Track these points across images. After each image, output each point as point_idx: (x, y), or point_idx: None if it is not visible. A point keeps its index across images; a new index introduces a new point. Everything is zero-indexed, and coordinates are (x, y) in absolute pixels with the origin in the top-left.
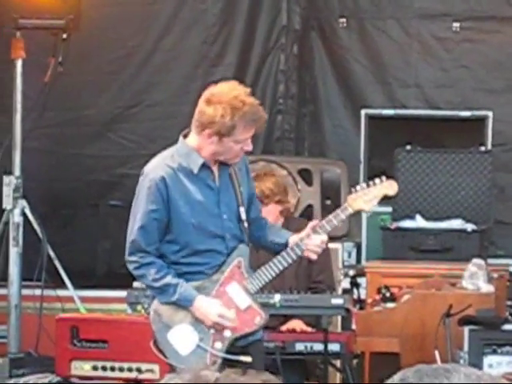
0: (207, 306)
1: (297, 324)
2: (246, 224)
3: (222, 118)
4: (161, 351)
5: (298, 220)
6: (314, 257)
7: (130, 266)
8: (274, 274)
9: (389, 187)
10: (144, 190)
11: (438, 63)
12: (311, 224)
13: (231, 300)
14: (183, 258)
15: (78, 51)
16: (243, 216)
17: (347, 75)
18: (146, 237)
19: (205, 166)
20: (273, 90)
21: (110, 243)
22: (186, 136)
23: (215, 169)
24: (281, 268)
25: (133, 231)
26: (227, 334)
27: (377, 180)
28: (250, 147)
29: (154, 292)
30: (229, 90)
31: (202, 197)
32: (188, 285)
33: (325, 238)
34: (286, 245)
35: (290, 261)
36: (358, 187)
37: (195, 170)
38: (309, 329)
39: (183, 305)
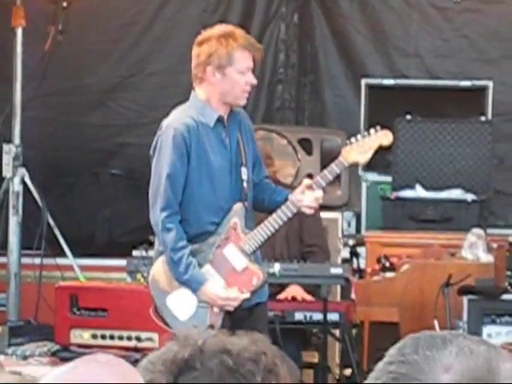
0: (213, 292)
1: (296, 290)
2: (245, 184)
3: (217, 49)
4: (161, 318)
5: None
6: (310, 211)
7: (159, 225)
8: (269, 233)
9: (383, 137)
10: (169, 140)
11: (438, 33)
12: (306, 181)
13: (228, 262)
14: (192, 214)
15: (78, 20)
16: (244, 176)
17: (348, 45)
18: (173, 187)
19: (219, 122)
20: (273, 59)
21: (110, 212)
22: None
23: (227, 128)
24: (276, 226)
25: (160, 182)
26: None
27: (371, 130)
28: (254, 80)
29: (168, 262)
30: (217, 28)
31: (218, 153)
32: (197, 268)
33: (320, 193)
34: (286, 201)
35: (285, 218)
36: (352, 139)
37: (211, 124)
38: (308, 296)
39: (191, 287)
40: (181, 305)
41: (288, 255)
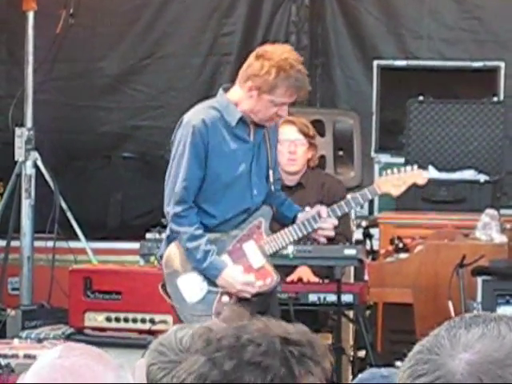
0: (233, 276)
1: (304, 272)
2: (272, 187)
3: (266, 75)
4: (168, 295)
5: (319, 173)
6: (322, 240)
7: (173, 218)
8: (291, 240)
9: (418, 176)
10: (188, 138)
11: (450, 14)
12: (322, 209)
13: (245, 257)
14: (210, 203)
15: (89, 2)
16: (271, 178)
17: (359, 26)
18: (190, 187)
19: (242, 121)
20: (284, 41)
21: (122, 195)
22: (226, 90)
23: (252, 126)
24: (300, 235)
25: (176, 181)
26: None
27: (408, 167)
28: (285, 113)
29: (186, 253)
30: (282, 52)
31: (237, 149)
32: (216, 255)
33: (335, 221)
34: (293, 220)
35: (305, 232)
36: (388, 171)
37: (233, 123)
38: (315, 278)
39: (211, 274)
40: (191, 287)
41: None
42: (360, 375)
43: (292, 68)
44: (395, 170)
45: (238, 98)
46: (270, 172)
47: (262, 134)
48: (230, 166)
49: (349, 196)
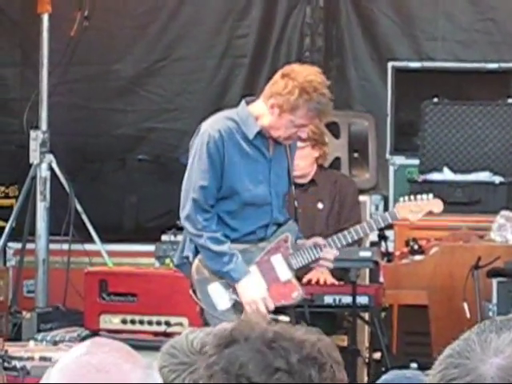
0: (254, 286)
1: (322, 273)
2: (296, 203)
3: (288, 94)
4: (199, 300)
5: (331, 172)
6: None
7: (192, 225)
8: (316, 257)
9: (435, 205)
10: (203, 146)
11: (465, 15)
12: (319, 241)
13: (273, 270)
14: (230, 216)
15: (104, 5)
16: (294, 194)
17: (374, 28)
18: (206, 195)
19: (260, 135)
20: (299, 43)
21: (137, 197)
22: (248, 103)
23: (271, 141)
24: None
25: (194, 189)
26: None
27: (424, 196)
28: (304, 135)
29: (208, 256)
30: (308, 73)
31: (255, 161)
32: (241, 259)
33: (337, 253)
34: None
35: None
36: (406, 198)
37: (250, 136)
38: (333, 279)
39: (231, 277)
40: (221, 295)
41: None
42: (384, 376)
43: (315, 91)
44: (412, 197)
45: (260, 113)
46: (292, 188)
47: (282, 150)
48: (249, 177)
49: (371, 218)
